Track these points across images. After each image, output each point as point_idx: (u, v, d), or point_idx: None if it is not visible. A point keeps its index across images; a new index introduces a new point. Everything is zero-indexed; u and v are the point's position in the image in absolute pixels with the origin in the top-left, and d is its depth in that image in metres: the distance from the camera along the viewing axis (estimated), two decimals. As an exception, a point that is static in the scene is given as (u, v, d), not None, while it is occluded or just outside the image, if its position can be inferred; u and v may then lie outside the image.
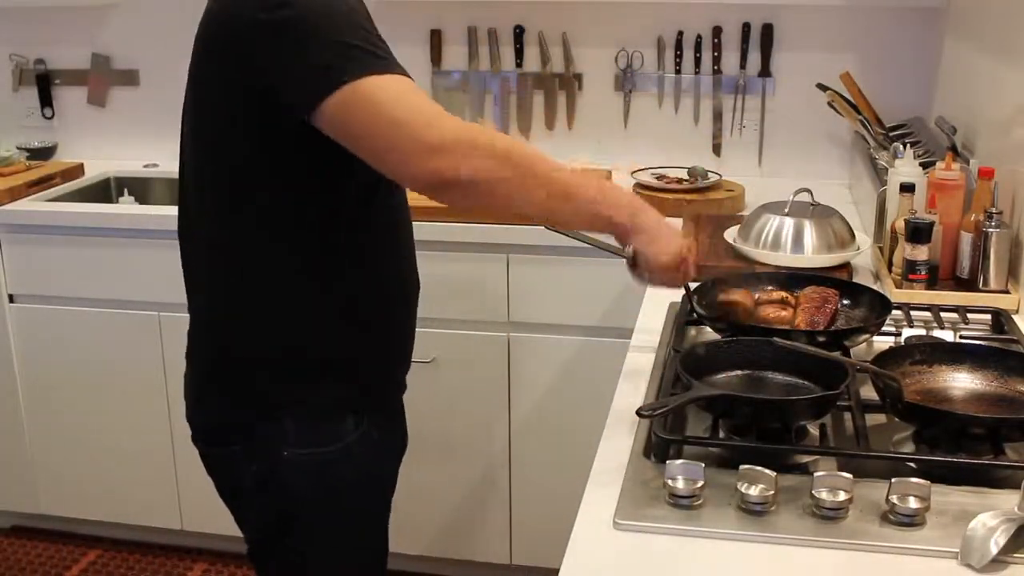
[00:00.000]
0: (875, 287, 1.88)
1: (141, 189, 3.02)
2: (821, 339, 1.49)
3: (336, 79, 1.25)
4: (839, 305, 1.64)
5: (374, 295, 1.47)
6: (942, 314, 1.72)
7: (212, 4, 1.37)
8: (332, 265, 1.42)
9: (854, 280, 1.89)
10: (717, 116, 2.82)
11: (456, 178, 1.27)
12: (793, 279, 1.71)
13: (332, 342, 1.44)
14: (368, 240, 1.45)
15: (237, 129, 1.35)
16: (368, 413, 1.49)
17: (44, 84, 3.15)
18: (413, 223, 2.43)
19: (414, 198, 2.67)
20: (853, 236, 1.99)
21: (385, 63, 1.30)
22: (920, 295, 1.81)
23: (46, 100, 3.17)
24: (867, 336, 1.57)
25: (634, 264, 1.48)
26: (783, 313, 1.59)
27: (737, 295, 1.65)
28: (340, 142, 1.30)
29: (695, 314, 1.62)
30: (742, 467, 1.16)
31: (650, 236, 1.43)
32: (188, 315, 1.54)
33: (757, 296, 1.66)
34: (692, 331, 1.67)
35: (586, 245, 1.63)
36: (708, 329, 1.62)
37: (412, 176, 1.29)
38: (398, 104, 1.27)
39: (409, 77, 1.32)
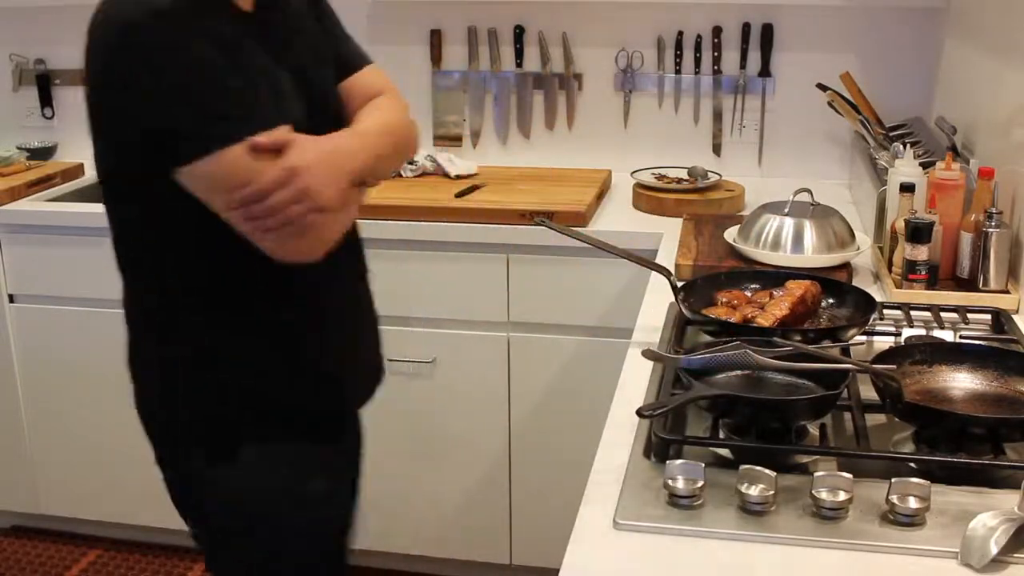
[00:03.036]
0: (875, 287, 1.89)
1: (141, 189, 3.02)
2: (797, 338, 1.49)
3: (192, 149, 1.25)
4: (820, 303, 1.65)
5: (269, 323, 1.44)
6: (942, 314, 1.72)
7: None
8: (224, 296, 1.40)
9: (854, 280, 1.90)
10: (717, 116, 2.82)
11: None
12: (779, 278, 1.72)
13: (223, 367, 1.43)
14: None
15: None
16: (277, 432, 1.47)
17: (44, 84, 3.15)
18: (414, 223, 2.44)
19: (411, 198, 2.67)
20: (853, 236, 1.99)
21: (231, 126, 1.26)
22: (920, 295, 1.81)
23: (46, 100, 3.17)
24: (854, 332, 1.56)
25: None
26: (755, 312, 1.59)
27: (724, 298, 1.66)
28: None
29: (683, 314, 1.62)
30: (742, 467, 1.16)
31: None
32: None
33: (750, 296, 1.67)
34: (692, 331, 1.67)
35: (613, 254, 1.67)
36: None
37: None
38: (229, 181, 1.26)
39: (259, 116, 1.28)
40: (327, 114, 1.46)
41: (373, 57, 1.59)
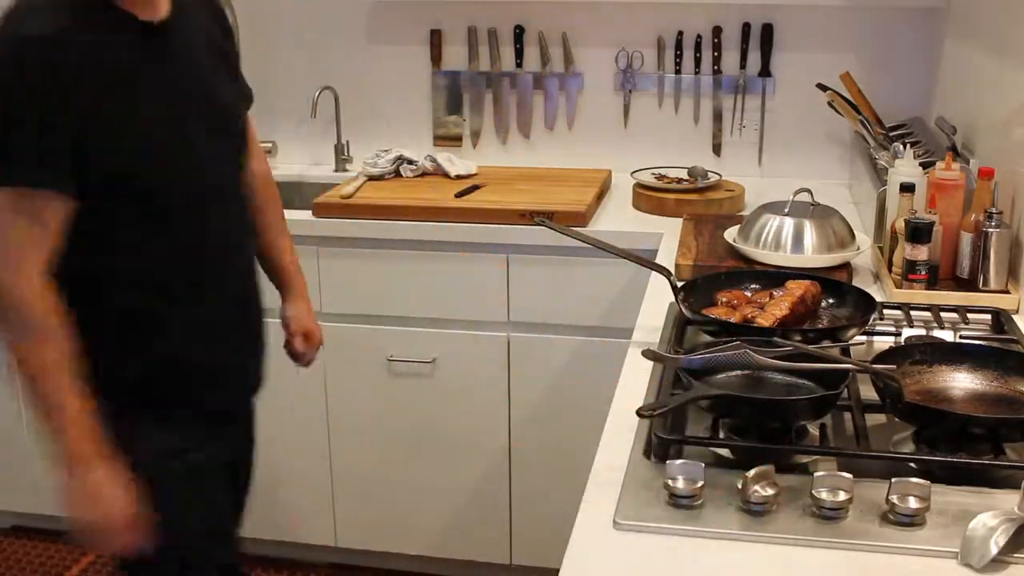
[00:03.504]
0: (875, 287, 1.89)
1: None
2: (797, 338, 1.49)
3: None
4: (820, 303, 1.65)
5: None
6: (942, 314, 1.72)
7: None
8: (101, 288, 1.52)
9: (854, 280, 1.90)
10: (717, 116, 2.82)
11: None
12: (779, 278, 1.72)
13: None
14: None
15: None
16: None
17: (44, 84, 3.14)
18: (414, 223, 2.44)
19: (411, 197, 2.66)
20: (853, 236, 1.99)
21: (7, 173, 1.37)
22: (920, 295, 1.81)
23: (46, 100, 3.16)
24: (854, 332, 1.57)
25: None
26: (755, 312, 1.59)
27: (724, 297, 1.66)
28: None
29: (684, 314, 1.63)
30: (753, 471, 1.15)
31: (73, 491, 1.47)
32: None
33: (750, 296, 1.67)
34: (692, 331, 1.67)
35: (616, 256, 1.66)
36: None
37: None
38: None
39: (33, 182, 1.38)
40: (227, 133, 1.57)
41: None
